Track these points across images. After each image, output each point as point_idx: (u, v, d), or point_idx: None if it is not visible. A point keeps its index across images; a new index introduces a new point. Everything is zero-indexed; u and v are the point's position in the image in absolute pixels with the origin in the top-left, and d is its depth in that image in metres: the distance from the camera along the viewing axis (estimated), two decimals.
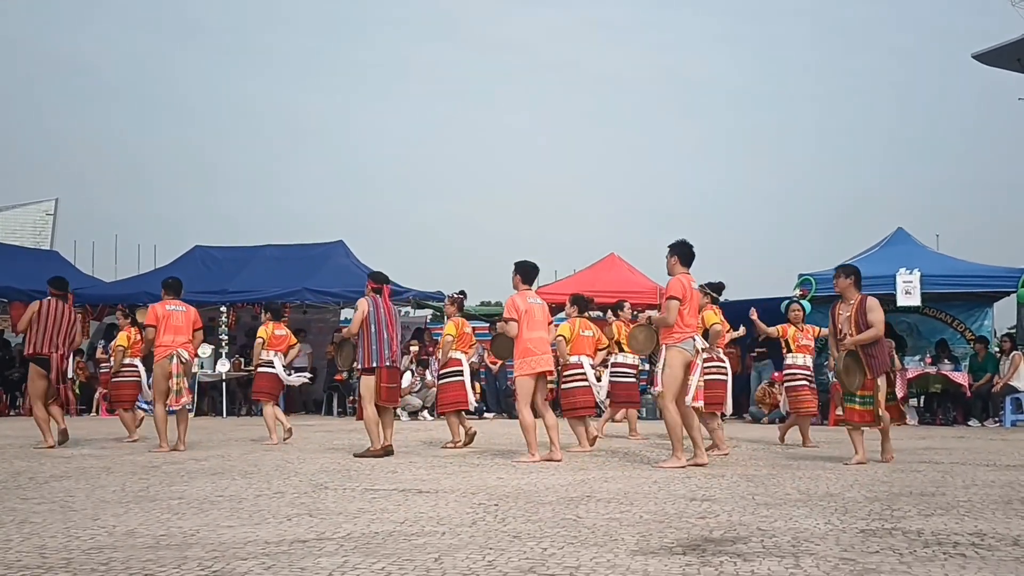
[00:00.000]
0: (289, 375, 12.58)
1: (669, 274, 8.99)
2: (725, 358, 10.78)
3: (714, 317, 10.40)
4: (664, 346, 8.80)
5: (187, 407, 11.00)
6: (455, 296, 11.89)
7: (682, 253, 8.96)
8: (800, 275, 16.18)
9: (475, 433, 11.23)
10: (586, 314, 11.51)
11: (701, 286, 10.24)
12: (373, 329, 10.00)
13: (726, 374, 10.68)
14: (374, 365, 9.96)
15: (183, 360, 10.83)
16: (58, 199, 37.10)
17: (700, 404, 8.93)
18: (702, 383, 8.94)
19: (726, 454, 9.98)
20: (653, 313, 9.64)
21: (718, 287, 10.89)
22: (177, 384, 10.73)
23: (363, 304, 10.13)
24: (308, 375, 14.77)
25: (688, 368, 8.75)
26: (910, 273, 14.80)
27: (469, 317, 13.19)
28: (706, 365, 9.32)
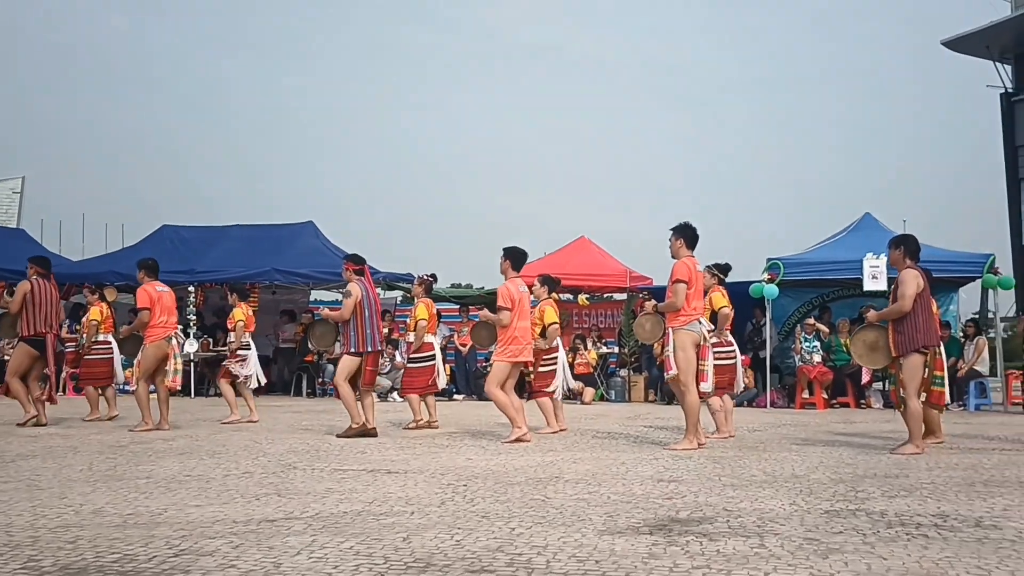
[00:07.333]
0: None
1: (674, 257, 8.88)
2: (733, 340, 10.54)
3: (722, 300, 10.20)
4: (671, 329, 8.76)
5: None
6: (424, 278, 11.84)
7: (687, 236, 8.88)
8: (768, 259, 16.24)
9: (438, 426, 11.20)
10: (553, 295, 11.49)
11: (708, 267, 10.18)
12: (367, 314, 9.99)
13: (734, 357, 10.44)
14: (368, 350, 9.98)
15: (180, 342, 10.85)
16: (25, 177, 36.65)
17: (711, 388, 8.96)
18: (712, 367, 8.95)
19: (732, 436, 9.88)
20: (655, 302, 9.56)
21: (725, 268, 10.64)
22: (175, 365, 10.75)
23: (356, 289, 10.04)
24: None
25: (699, 351, 8.78)
26: (877, 258, 14.83)
27: (437, 299, 13.12)
28: (715, 349, 9.29)
